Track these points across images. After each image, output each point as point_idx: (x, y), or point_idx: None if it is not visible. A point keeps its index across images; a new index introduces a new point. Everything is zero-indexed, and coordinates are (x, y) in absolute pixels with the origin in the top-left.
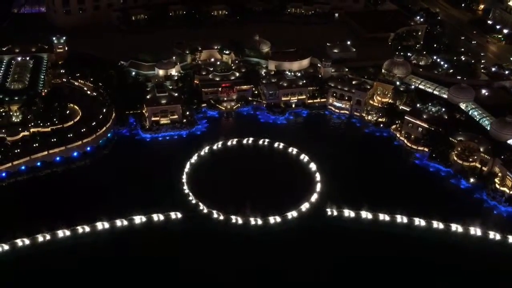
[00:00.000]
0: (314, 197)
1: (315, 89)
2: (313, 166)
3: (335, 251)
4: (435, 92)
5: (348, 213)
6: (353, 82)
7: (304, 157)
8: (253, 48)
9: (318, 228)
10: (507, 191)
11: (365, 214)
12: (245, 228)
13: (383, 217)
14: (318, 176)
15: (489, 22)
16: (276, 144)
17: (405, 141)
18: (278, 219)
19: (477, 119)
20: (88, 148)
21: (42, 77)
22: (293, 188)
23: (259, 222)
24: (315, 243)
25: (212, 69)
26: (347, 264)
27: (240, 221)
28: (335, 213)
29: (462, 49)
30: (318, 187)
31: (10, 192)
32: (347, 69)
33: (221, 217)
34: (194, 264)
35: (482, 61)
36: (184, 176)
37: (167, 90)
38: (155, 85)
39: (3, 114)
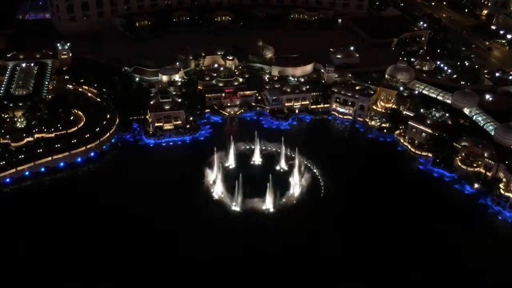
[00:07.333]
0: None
1: (318, 94)
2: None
3: None
4: (439, 98)
5: None
6: (357, 88)
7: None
8: (257, 54)
9: None
10: None
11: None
12: None
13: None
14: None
15: (493, 27)
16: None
17: (409, 146)
18: None
19: (481, 125)
20: (92, 154)
21: (46, 83)
22: None
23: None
24: None
25: (215, 74)
26: None
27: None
28: None
29: (471, 55)
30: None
31: (14, 198)
32: (350, 75)
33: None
34: None
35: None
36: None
37: (171, 96)
38: (158, 91)
39: (8, 120)
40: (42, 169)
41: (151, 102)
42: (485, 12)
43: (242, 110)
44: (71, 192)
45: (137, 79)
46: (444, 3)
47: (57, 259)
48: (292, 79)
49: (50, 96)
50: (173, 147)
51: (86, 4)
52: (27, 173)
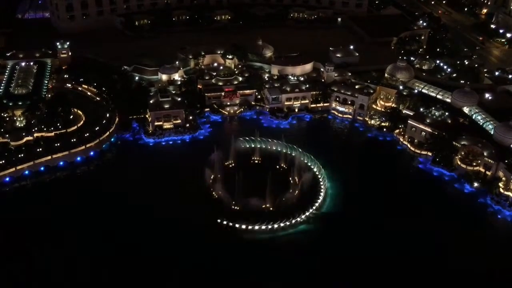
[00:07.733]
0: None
1: (318, 93)
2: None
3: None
4: (439, 96)
5: None
6: (356, 87)
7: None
8: (256, 53)
9: None
10: (511, 195)
11: None
12: None
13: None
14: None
15: (492, 26)
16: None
17: (409, 145)
18: None
19: (481, 123)
20: (92, 153)
21: (46, 82)
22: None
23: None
24: None
25: (215, 73)
26: None
27: None
28: None
29: (472, 55)
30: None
31: (14, 197)
32: (350, 74)
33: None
34: None
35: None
36: None
37: (170, 95)
38: (158, 90)
39: (7, 119)
40: (42, 168)
41: (151, 101)
42: (484, 11)
43: (242, 109)
44: (71, 191)
45: (137, 78)
46: (444, 2)
47: (57, 259)
48: (292, 78)
49: (49, 95)
50: (172, 146)
51: (86, 3)
52: (26, 172)
